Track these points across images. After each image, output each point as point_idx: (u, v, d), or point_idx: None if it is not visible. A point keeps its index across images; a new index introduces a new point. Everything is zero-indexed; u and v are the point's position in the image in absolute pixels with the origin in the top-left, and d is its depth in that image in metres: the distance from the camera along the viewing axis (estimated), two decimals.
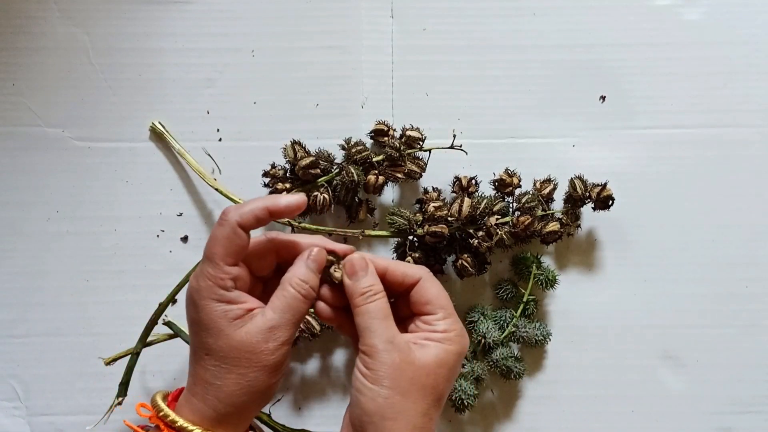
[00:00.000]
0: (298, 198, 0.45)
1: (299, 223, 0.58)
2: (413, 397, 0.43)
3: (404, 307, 0.48)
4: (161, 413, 0.44)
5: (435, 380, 0.44)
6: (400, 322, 0.46)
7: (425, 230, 0.55)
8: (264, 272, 0.47)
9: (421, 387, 0.43)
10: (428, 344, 0.44)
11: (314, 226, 0.58)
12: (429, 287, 0.46)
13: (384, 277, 0.46)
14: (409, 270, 0.47)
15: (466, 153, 0.58)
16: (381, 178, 0.57)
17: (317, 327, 0.56)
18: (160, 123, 0.60)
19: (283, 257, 0.47)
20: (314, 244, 0.46)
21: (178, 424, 0.43)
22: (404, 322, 0.47)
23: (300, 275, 0.45)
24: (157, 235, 0.60)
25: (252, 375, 0.43)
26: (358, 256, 0.46)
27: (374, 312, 0.44)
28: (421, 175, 0.58)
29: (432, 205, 0.56)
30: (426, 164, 0.58)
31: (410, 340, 0.45)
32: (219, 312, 0.43)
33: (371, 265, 0.46)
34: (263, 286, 0.48)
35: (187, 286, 0.45)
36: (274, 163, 0.58)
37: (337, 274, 0.46)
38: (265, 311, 0.44)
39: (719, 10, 0.61)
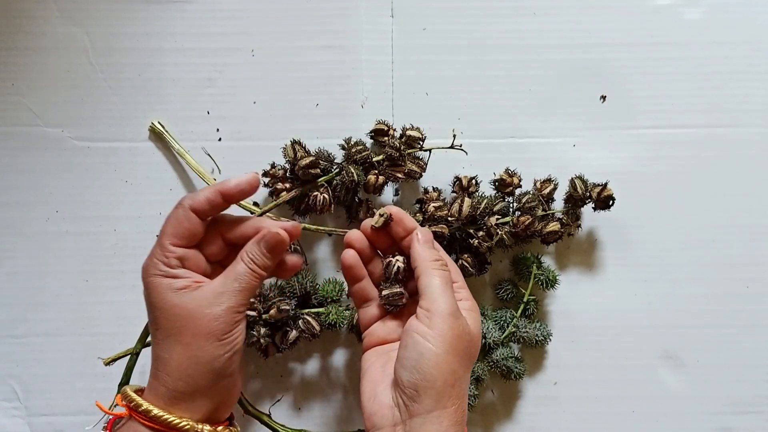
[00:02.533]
0: (248, 177, 0.47)
1: (300, 223, 0.58)
2: (468, 365, 0.45)
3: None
4: (127, 398, 0.44)
5: (476, 350, 0.47)
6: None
7: None
8: (217, 256, 0.48)
9: (471, 357, 0.46)
10: (466, 314, 0.46)
11: (314, 226, 0.57)
12: (447, 258, 0.50)
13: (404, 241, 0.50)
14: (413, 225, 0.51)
15: (466, 153, 0.58)
16: (381, 178, 0.57)
17: (317, 327, 0.56)
18: (159, 123, 0.60)
19: (230, 239, 0.48)
20: (256, 226, 0.48)
21: (142, 407, 0.43)
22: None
23: (250, 251, 0.46)
24: (157, 235, 0.60)
25: (196, 344, 0.43)
26: (425, 228, 0.50)
27: (446, 279, 0.46)
28: (421, 175, 0.58)
29: (432, 205, 0.56)
30: (426, 164, 0.58)
31: None
32: (165, 284, 0.44)
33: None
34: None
35: None
36: (274, 163, 0.58)
37: (377, 220, 0.49)
38: (213, 281, 0.45)
39: (719, 10, 0.61)
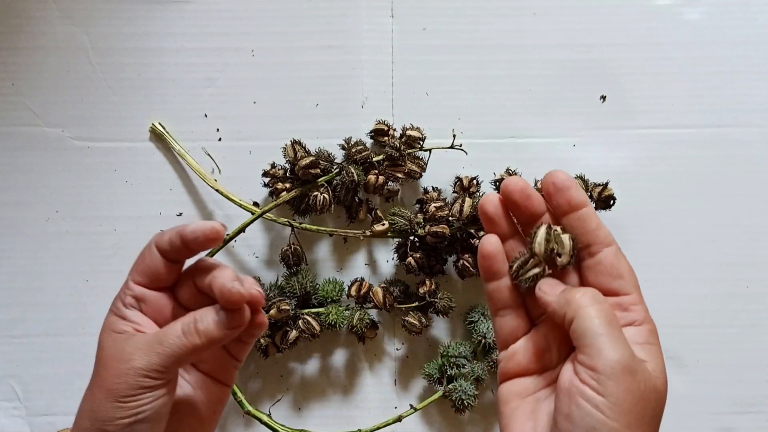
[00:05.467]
0: (206, 226, 0.39)
1: (300, 223, 0.58)
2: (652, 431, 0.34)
3: (569, 281, 0.38)
4: None
5: (663, 406, 0.35)
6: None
7: (426, 230, 0.55)
8: (190, 304, 0.41)
9: (658, 418, 0.34)
10: (642, 351, 0.35)
11: (314, 227, 0.57)
12: (623, 259, 0.36)
13: (577, 212, 0.36)
14: (605, 227, 0.36)
15: (466, 153, 0.58)
16: (381, 178, 0.57)
17: (317, 327, 0.56)
18: (160, 124, 0.60)
19: (201, 288, 0.40)
20: (222, 285, 0.37)
21: None
22: None
23: (199, 318, 0.38)
24: None
25: (97, 396, 0.38)
26: (546, 281, 0.36)
27: (607, 316, 0.33)
28: (421, 175, 0.58)
29: (433, 205, 0.56)
30: (426, 164, 0.58)
31: None
32: (108, 322, 0.40)
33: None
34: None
35: None
36: (274, 163, 0.58)
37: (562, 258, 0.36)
38: (146, 334, 0.39)
39: (719, 10, 0.61)
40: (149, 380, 0.37)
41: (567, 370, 0.34)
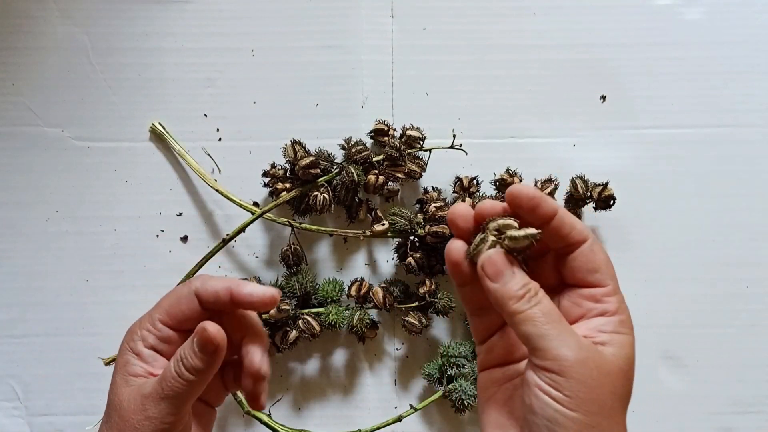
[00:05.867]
0: (264, 292, 0.39)
1: (300, 223, 0.58)
2: (617, 417, 0.35)
3: (546, 276, 0.39)
4: None
5: (630, 386, 0.36)
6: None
7: (426, 230, 0.55)
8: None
9: (621, 400, 0.35)
10: (608, 339, 0.35)
11: (314, 227, 0.57)
12: (598, 251, 0.37)
13: (548, 224, 0.36)
14: (578, 224, 0.37)
15: (466, 153, 0.58)
16: (381, 178, 0.57)
17: (317, 327, 0.56)
18: (160, 124, 0.60)
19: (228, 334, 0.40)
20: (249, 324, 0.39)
21: None
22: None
23: (182, 348, 0.39)
24: (157, 235, 0.60)
25: None
26: (497, 251, 0.36)
27: (547, 315, 0.34)
28: (421, 175, 0.58)
29: (433, 205, 0.56)
30: (426, 164, 0.58)
31: (583, 335, 0.35)
32: (123, 361, 0.40)
33: (515, 262, 0.36)
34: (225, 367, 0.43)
35: None
36: (274, 163, 0.58)
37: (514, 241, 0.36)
38: (152, 379, 0.39)
39: (719, 10, 0.61)
40: (165, 426, 0.38)
41: (528, 371, 0.35)
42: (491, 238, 0.36)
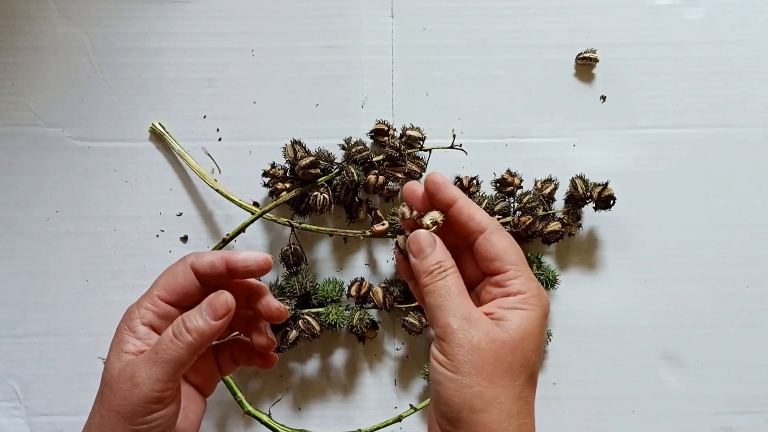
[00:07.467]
0: (258, 256, 0.42)
1: (300, 223, 0.58)
2: (502, 381, 0.37)
3: (471, 268, 0.43)
4: None
5: (522, 356, 0.38)
6: (471, 290, 0.42)
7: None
8: (186, 302, 0.43)
9: (509, 367, 0.37)
10: (505, 314, 0.39)
11: (314, 227, 0.57)
12: (497, 240, 0.41)
13: (447, 212, 0.42)
14: (477, 214, 0.41)
15: (466, 153, 0.58)
16: (381, 178, 0.57)
17: (317, 327, 0.56)
18: (160, 124, 0.60)
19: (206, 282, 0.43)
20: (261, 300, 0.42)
21: None
22: (475, 291, 0.43)
23: (187, 318, 0.40)
24: (157, 235, 0.60)
25: (108, 420, 0.38)
26: (425, 232, 0.41)
27: (445, 288, 0.39)
28: (421, 175, 0.58)
29: None
30: (426, 164, 0.58)
31: (484, 311, 0.39)
32: (119, 338, 0.41)
33: (439, 240, 0.41)
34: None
35: None
36: (274, 163, 0.58)
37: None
38: (147, 350, 0.40)
39: (719, 10, 0.61)
40: (156, 394, 0.38)
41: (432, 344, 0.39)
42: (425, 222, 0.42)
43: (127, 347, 0.40)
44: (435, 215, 0.42)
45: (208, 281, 0.42)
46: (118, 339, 0.41)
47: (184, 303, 0.42)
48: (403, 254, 0.44)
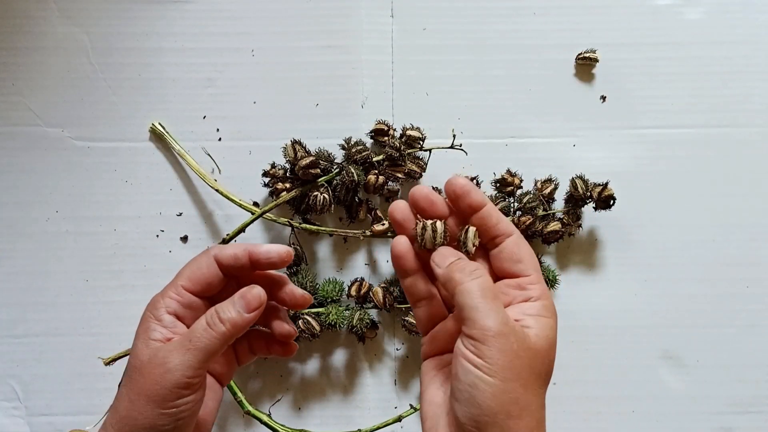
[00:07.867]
0: (280, 249, 0.43)
1: (299, 223, 0.58)
2: (534, 389, 0.38)
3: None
4: None
5: (549, 365, 0.39)
6: None
7: None
8: (211, 291, 0.44)
9: (538, 376, 0.38)
10: (532, 322, 0.39)
11: (314, 227, 0.57)
12: (523, 244, 0.42)
13: (477, 213, 0.42)
14: (503, 218, 0.42)
15: (466, 153, 0.58)
16: (381, 178, 0.57)
17: (317, 327, 0.56)
18: (160, 124, 0.60)
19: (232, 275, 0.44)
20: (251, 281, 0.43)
21: None
22: None
23: (220, 309, 0.41)
24: (157, 235, 0.60)
25: (139, 404, 0.39)
26: (444, 246, 0.42)
27: (482, 289, 0.38)
28: (421, 175, 0.58)
29: None
30: (426, 164, 0.58)
31: (515, 319, 0.39)
32: (145, 327, 0.42)
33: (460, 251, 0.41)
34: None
35: None
36: (274, 163, 0.58)
37: (429, 239, 0.42)
38: (176, 337, 0.41)
39: (719, 10, 0.61)
40: (187, 380, 0.39)
41: (457, 342, 0.38)
42: (429, 222, 0.42)
43: (154, 335, 0.41)
44: (471, 236, 0.42)
45: (230, 273, 0.44)
46: (145, 327, 0.42)
47: (207, 293, 0.44)
48: (420, 245, 0.42)
